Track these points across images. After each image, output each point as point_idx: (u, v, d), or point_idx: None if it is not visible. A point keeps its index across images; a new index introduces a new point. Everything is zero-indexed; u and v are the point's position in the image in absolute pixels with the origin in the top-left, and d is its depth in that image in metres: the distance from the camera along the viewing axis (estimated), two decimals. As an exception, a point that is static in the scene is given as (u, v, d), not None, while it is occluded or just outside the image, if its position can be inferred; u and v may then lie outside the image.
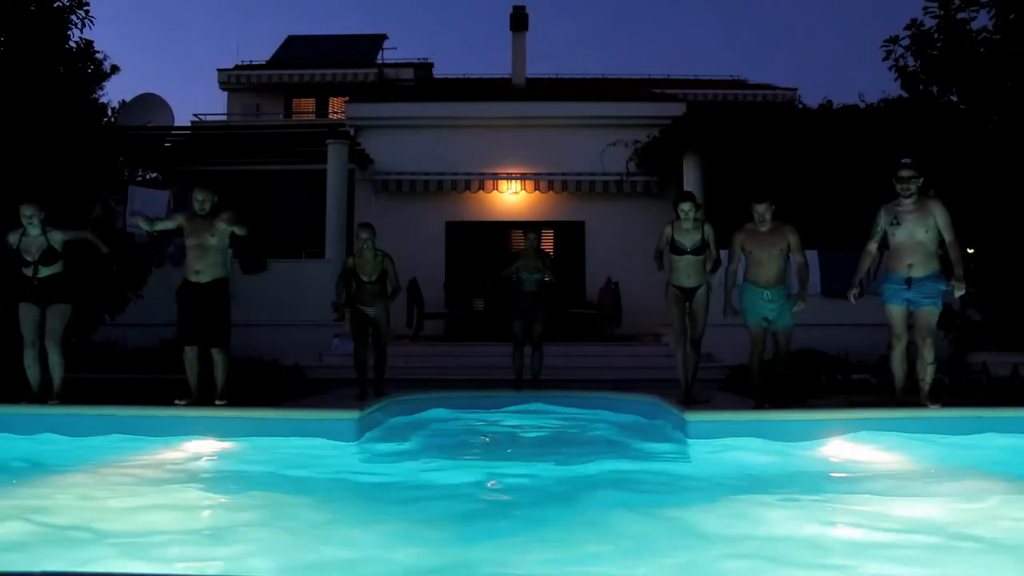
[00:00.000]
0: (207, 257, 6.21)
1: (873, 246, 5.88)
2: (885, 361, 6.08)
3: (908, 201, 5.64)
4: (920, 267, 5.61)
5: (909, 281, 5.62)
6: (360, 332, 7.11)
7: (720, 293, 6.38)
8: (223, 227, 6.25)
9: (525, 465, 4.78)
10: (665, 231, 6.51)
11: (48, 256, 6.18)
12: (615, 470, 4.64)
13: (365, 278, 7.00)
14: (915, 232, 5.61)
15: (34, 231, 6.18)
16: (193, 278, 6.21)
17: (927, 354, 5.65)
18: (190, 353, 6.22)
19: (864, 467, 4.78)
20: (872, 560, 2.92)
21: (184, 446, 5.40)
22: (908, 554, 2.98)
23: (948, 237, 5.61)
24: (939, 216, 5.60)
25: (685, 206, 6.34)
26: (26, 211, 6.15)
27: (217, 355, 6.23)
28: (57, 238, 6.22)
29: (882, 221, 5.77)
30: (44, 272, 6.18)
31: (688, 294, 6.49)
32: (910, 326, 5.77)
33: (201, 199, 6.27)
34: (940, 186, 8.84)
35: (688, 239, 6.40)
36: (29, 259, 6.17)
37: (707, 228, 6.43)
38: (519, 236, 14.14)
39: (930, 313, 5.65)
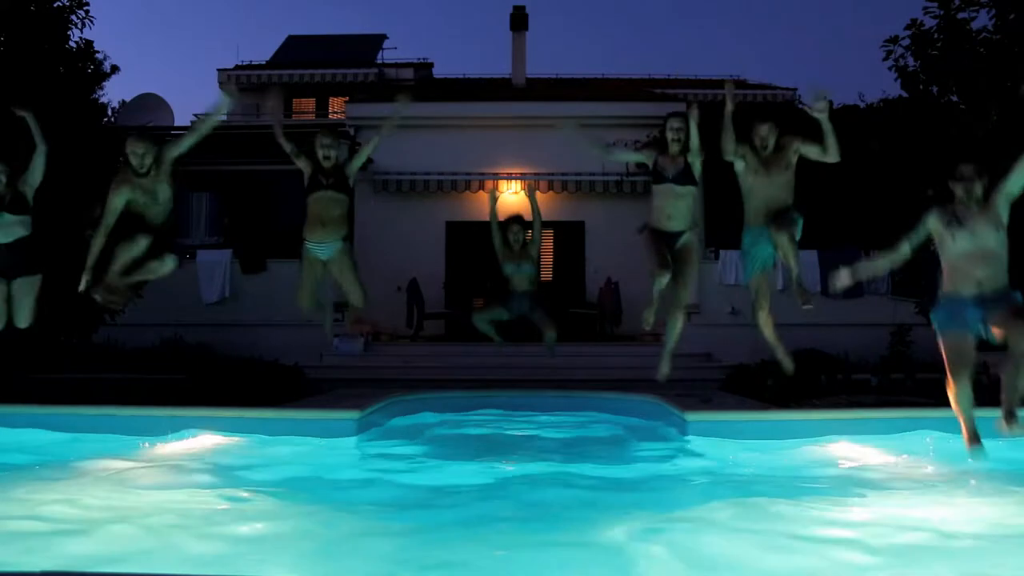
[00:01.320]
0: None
1: (907, 248, 4.45)
2: (885, 361, 6.05)
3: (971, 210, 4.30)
4: (992, 280, 4.17)
5: (980, 300, 4.13)
6: (308, 278, 5.84)
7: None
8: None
9: (525, 466, 4.78)
10: (646, 155, 5.65)
11: (15, 205, 5.49)
12: (615, 470, 4.65)
13: (324, 179, 5.71)
14: (985, 238, 4.19)
15: None
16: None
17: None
18: None
19: (864, 467, 4.78)
20: (873, 559, 2.92)
21: (183, 446, 5.40)
22: (909, 554, 2.98)
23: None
24: (1002, 198, 4.25)
25: (675, 123, 5.42)
26: None
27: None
28: (30, 183, 5.54)
29: (931, 223, 4.35)
30: (8, 235, 5.46)
31: (669, 240, 5.48)
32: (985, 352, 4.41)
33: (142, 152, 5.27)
34: (940, 186, 8.86)
35: (672, 166, 5.42)
36: None
37: (695, 163, 5.38)
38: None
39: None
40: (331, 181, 5.70)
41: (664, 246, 5.44)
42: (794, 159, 5.24)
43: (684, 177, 5.41)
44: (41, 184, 5.65)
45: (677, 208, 5.44)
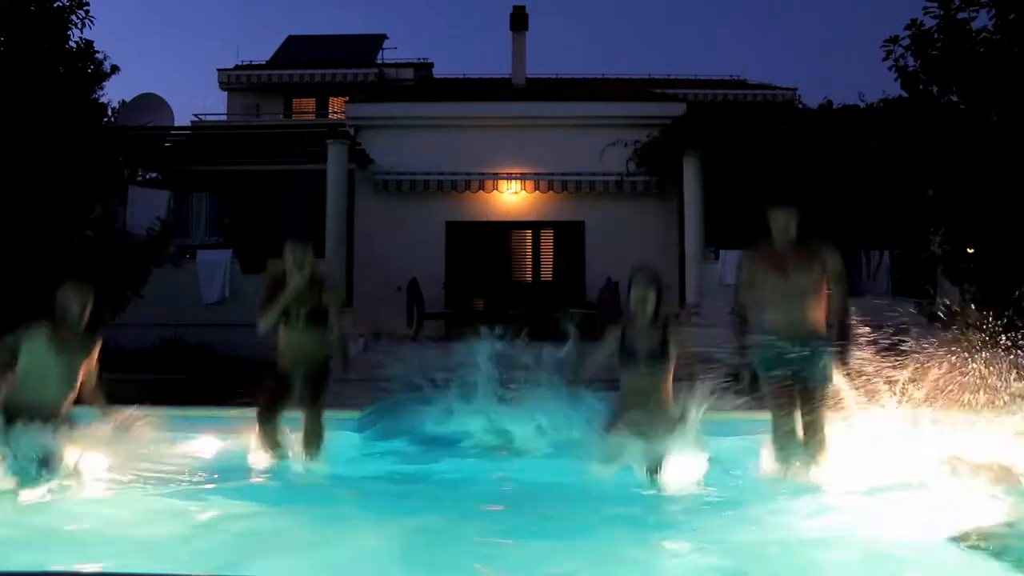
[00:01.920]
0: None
1: None
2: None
3: None
4: None
5: None
6: (275, 392, 4.95)
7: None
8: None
9: (524, 466, 4.78)
10: (614, 336, 4.62)
11: None
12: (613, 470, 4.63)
13: (296, 311, 4.87)
14: None
15: None
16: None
17: None
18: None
19: (864, 466, 4.77)
20: (875, 560, 2.92)
21: (183, 445, 5.40)
22: (911, 554, 2.98)
23: None
24: None
25: (641, 285, 4.45)
26: None
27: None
28: None
29: None
30: None
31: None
32: None
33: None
34: (940, 187, 8.86)
35: (643, 340, 4.44)
36: None
37: (674, 335, 4.52)
38: (519, 236, 14.17)
39: None
40: (303, 311, 4.89)
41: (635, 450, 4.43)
42: (821, 274, 4.27)
43: (656, 356, 4.45)
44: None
45: (651, 394, 4.51)
